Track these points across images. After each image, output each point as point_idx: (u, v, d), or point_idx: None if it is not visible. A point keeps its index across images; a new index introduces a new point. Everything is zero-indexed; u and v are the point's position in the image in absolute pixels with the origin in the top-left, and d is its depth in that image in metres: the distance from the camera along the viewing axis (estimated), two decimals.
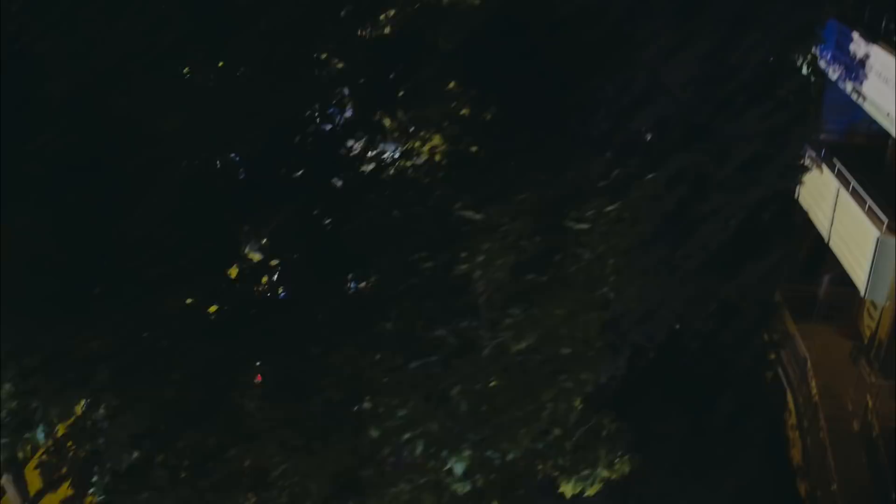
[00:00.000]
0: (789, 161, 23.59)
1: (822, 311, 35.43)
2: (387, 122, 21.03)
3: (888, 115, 30.49)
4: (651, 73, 21.21)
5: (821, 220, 33.51)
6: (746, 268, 23.42)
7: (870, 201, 30.97)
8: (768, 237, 24.14)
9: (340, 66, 20.45)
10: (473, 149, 20.76)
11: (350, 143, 20.10)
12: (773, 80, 23.08)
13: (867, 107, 31.63)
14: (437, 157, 19.95)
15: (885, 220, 30.21)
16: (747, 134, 22.21)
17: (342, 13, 20.28)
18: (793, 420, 34.48)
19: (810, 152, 34.67)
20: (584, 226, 16.10)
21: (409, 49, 20.77)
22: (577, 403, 18.94)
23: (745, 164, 22.53)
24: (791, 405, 34.60)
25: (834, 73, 32.93)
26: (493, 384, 16.12)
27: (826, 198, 33.14)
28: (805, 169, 26.61)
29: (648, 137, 21.94)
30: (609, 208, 16.61)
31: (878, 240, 29.93)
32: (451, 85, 21.46)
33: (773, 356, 29.41)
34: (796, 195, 35.27)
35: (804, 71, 35.60)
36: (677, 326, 23.87)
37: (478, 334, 15.96)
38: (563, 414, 17.35)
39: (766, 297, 26.12)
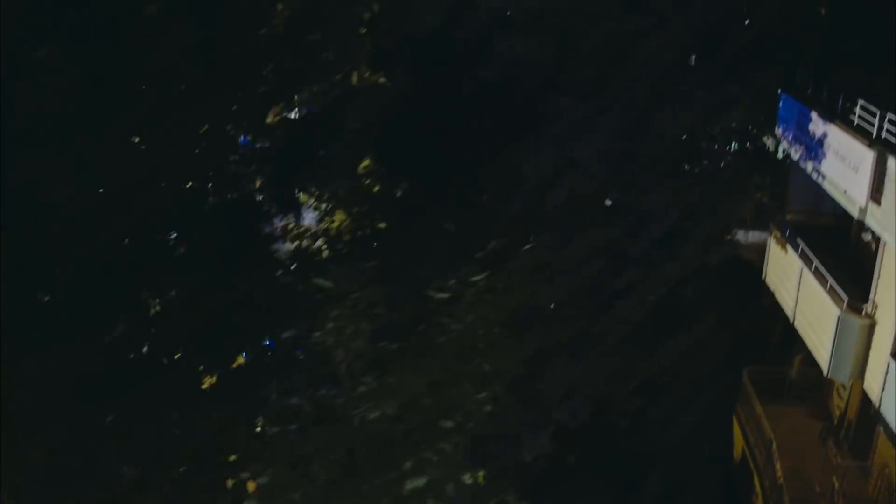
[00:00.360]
0: (712, 236, 23.55)
1: (792, 392, 34.83)
2: (307, 198, 21.54)
3: (845, 193, 30.41)
4: (562, 148, 21.42)
5: (786, 300, 33.21)
6: (668, 344, 23.28)
7: (831, 280, 30.71)
8: (693, 313, 23.98)
9: (254, 143, 20.98)
10: (382, 224, 21.05)
11: (257, 219, 20.50)
12: (693, 153, 23.20)
13: (827, 186, 31.56)
14: (344, 235, 20.30)
15: (846, 298, 29.95)
16: (663, 208, 22.27)
17: (257, 93, 20.90)
18: (760, 503, 33.81)
19: (776, 232, 34.56)
20: (444, 295, 16.21)
21: (319, 127, 21.31)
22: (480, 478, 18.92)
23: (663, 239, 22.56)
24: (758, 488, 33.93)
25: (796, 154, 32.93)
26: (353, 452, 16.17)
27: (791, 278, 32.90)
28: (733, 244, 26.46)
29: (561, 212, 22.05)
30: (475, 278, 16.72)
31: (839, 318, 29.71)
32: (367, 162, 21.88)
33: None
34: (764, 275, 35.07)
35: (778, 154, 35.75)
36: (605, 404, 23.70)
37: (337, 403, 16.08)
38: (437, 485, 17.29)
39: (698, 374, 25.83)
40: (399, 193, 21.13)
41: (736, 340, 34.01)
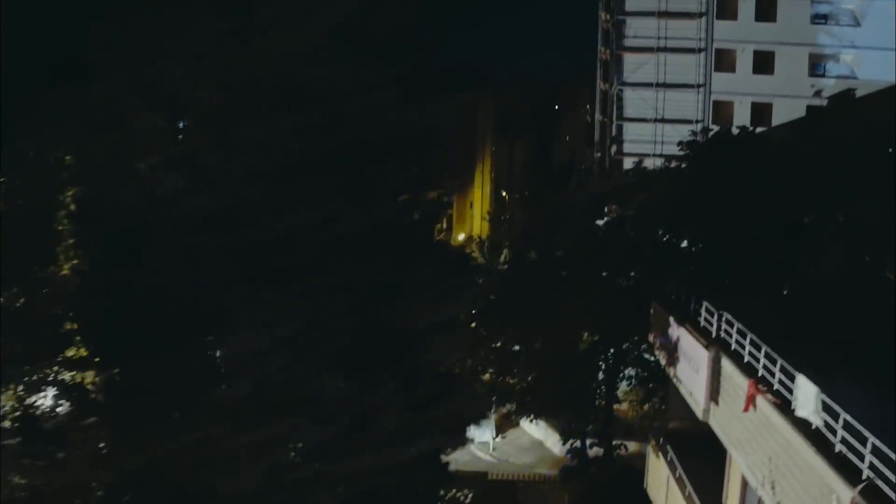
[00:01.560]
0: (426, 426, 23.34)
1: None
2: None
3: (691, 395, 29.64)
4: (240, 340, 22.31)
5: None
6: None
7: (689, 487, 29.99)
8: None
9: None
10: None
11: None
12: (402, 346, 23.40)
13: (682, 389, 30.80)
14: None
15: None
16: (354, 402, 22.54)
17: None
18: None
19: (652, 441, 33.58)
20: None
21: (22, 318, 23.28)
22: None
23: (353, 429, 22.67)
24: None
25: (663, 359, 32.40)
26: None
27: (662, 486, 31.98)
28: (463, 440, 25.69)
29: (248, 401, 22.57)
30: None
31: None
32: (73, 352, 23.48)
33: None
34: (645, 483, 33.87)
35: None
36: None
37: None
38: None
39: None
40: (89, 383, 22.48)
41: None
